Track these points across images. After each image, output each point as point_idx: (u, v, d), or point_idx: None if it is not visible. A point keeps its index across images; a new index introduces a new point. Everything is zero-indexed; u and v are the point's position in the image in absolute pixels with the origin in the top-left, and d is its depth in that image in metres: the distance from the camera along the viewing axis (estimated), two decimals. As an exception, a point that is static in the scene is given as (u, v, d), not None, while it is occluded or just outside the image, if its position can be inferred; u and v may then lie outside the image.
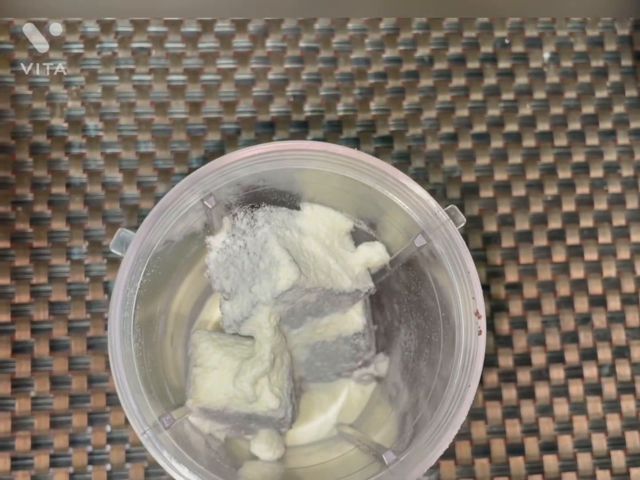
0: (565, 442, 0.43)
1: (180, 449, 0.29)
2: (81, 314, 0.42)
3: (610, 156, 0.45)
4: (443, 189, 0.44)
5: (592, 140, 0.46)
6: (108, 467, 0.40)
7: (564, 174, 0.45)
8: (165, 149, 0.44)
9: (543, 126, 0.46)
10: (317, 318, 0.36)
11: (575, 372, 0.43)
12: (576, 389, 0.43)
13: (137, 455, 0.41)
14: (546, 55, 0.46)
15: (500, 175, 0.45)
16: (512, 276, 0.44)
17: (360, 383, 0.40)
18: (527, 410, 0.43)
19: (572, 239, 0.44)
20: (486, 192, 0.45)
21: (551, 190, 0.45)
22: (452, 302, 0.31)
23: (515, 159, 0.45)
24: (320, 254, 0.34)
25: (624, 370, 0.43)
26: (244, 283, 0.33)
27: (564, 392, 0.43)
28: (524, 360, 0.43)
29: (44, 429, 0.41)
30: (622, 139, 0.46)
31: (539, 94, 0.46)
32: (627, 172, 0.45)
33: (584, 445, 0.43)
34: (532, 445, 0.42)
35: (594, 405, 0.43)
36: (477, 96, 0.46)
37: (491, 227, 0.44)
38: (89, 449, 0.41)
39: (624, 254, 0.45)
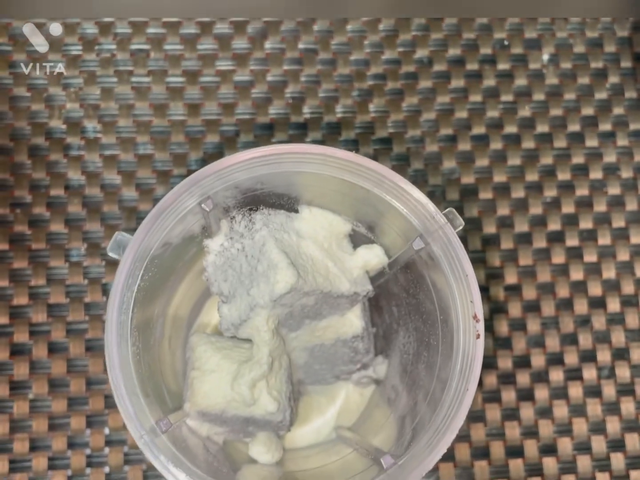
0: (565, 445, 0.42)
1: (178, 453, 0.29)
2: (80, 316, 0.42)
3: (610, 158, 0.45)
4: (442, 190, 0.44)
5: (592, 142, 0.45)
6: (107, 469, 0.40)
7: (564, 175, 0.45)
8: (164, 151, 0.44)
9: (542, 128, 0.45)
10: (315, 321, 0.36)
11: (574, 374, 0.43)
12: (576, 391, 0.43)
13: (136, 458, 0.41)
14: (545, 57, 0.46)
15: (499, 177, 0.45)
16: (511, 278, 0.44)
17: (359, 386, 0.40)
18: (527, 412, 0.43)
19: (572, 241, 0.44)
20: (485, 194, 0.44)
21: (550, 192, 0.45)
22: (451, 306, 0.31)
23: (515, 160, 0.45)
24: (319, 256, 0.34)
25: (623, 373, 0.43)
26: (242, 286, 0.33)
27: (564, 394, 0.43)
28: (523, 362, 0.43)
29: (42, 431, 0.41)
30: (622, 141, 0.46)
31: (539, 96, 0.46)
32: (626, 173, 0.45)
33: (584, 447, 0.43)
34: (531, 448, 0.42)
35: (594, 408, 0.43)
36: (476, 98, 0.45)
37: (490, 228, 0.44)
38: (88, 451, 0.41)
39: (623, 255, 0.44)
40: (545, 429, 0.42)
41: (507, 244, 0.44)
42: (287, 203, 0.34)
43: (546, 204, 0.45)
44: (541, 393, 0.43)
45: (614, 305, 0.44)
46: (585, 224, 0.45)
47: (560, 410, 0.43)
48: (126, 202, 0.43)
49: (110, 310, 0.29)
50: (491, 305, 0.43)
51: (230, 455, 0.36)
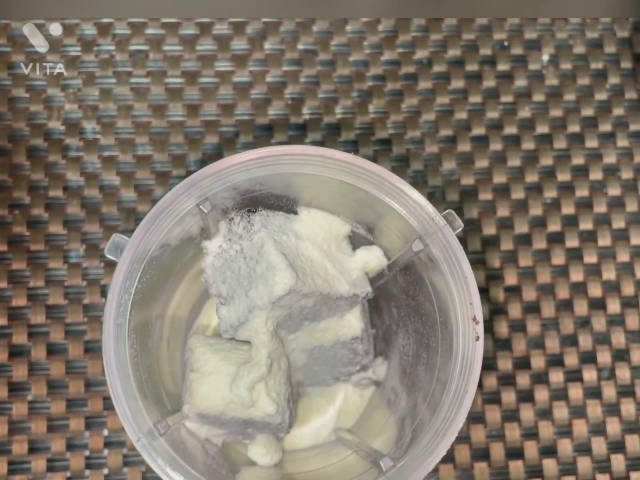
0: (565, 446, 0.42)
1: (176, 455, 0.29)
2: (78, 317, 0.42)
3: (610, 159, 0.45)
4: (442, 192, 0.44)
5: (592, 143, 0.45)
6: (106, 471, 0.40)
7: (563, 176, 0.45)
8: (163, 152, 0.44)
9: (542, 129, 0.45)
10: (314, 323, 0.36)
11: (574, 376, 0.43)
12: (576, 392, 0.43)
13: (135, 459, 0.40)
14: (545, 58, 0.46)
15: (499, 178, 0.45)
16: (511, 279, 0.44)
17: (358, 387, 0.40)
18: (527, 414, 0.42)
19: (572, 242, 0.44)
20: (485, 195, 0.44)
21: (550, 193, 0.45)
22: (450, 307, 0.31)
23: (515, 161, 0.45)
24: (318, 258, 0.34)
25: (623, 374, 0.43)
26: (241, 288, 0.33)
27: (564, 395, 0.43)
28: (523, 363, 0.43)
29: (41, 433, 0.40)
30: (622, 142, 0.46)
31: (538, 97, 0.46)
32: (626, 174, 0.45)
33: (584, 449, 0.42)
34: (531, 449, 0.42)
35: (594, 409, 0.43)
36: (476, 99, 0.45)
37: (490, 230, 0.44)
38: (87, 453, 0.40)
39: (623, 256, 0.44)
40: (546, 430, 0.42)
41: (507, 245, 0.44)
42: (286, 204, 0.34)
43: (546, 205, 0.45)
44: (541, 394, 0.43)
45: (614, 306, 0.44)
46: (585, 225, 0.45)
47: (561, 412, 0.43)
48: (125, 203, 0.43)
49: (107, 312, 0.29)
50: (491, 307, 0.43)
51: (229, 457, 0.36)
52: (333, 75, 0.45)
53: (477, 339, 0.30)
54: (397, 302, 0.37)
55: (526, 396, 0.43)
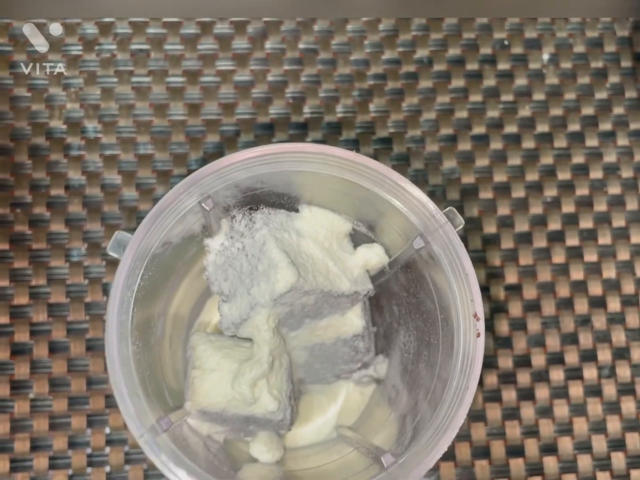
0: (565, 444, 0.42)
1: (179, 452, 0.29)
2: (80, 315, 0.42)
3: (610, 157, 0.45)
4: (442, 190, 0.44)
5: (592, 142, 0.46)
6: (107, 469, 0.40)
7: (564, 175, 0.45)
8: (164, 151, 0.44)
9: (542, 127, 0.45)
10: (315, 320, 0.36)
11: (575, 374, 0.43)
12: (576, 390, 0.43)
13: (137, 457, 0.41)
14: (545, 57, 0.46)
15: (499, 177, 0.45)
16: (511, 277, 0.44)
17: (359, 385, 0.40)
18: (527, 411, 0.43)
19: (572, 241, 0.44)
20: (485, 194, 0.44)
21: (551, 192, 0.45)
22: (451, 305, 0.31)
23: (515, 160, 0.45)
24: (319, 256, 0.34)
25: (624, 372, 0.43)
26: (243, 285, 0.33)
27: (564, 393, 0.43)
28: (523, 361, 0.43)
29: (43, 430, 0.41)
30: (622, 140, 0.46)
31: (539, 95, 0.46)
32: (626, 173, 0.45)
33: (584, 446, 0.43)
34: (532, 447, 0.42)
35: (594, 407, 0.43)
36: (476, 97, 0.45)
37: (491, 228, 0.44)
38: (88, 450, 0.41)
39: (623, 255, 0.44)
40: (546, 428, 0.42)
41: (507, 243, 0.44)
42: (287, 202, 0.34)
43: (546, 204, 0.45)
44: (542, 392, 0.43)
45: (614, 304, 0.44)
46: (586, 223, 0.45)
47: (561, 410, 0.43)
48: (126, 202, 0.43)
49: (110, 310, 0.29)
50: (491, 305, 0.43)
51: (230, 454, 0.36)
52: (334, 74, 0.45)
53: (478, 335, 0.30)
54: (398, 300, 0.37)
55: (527, 394, 0.43)
